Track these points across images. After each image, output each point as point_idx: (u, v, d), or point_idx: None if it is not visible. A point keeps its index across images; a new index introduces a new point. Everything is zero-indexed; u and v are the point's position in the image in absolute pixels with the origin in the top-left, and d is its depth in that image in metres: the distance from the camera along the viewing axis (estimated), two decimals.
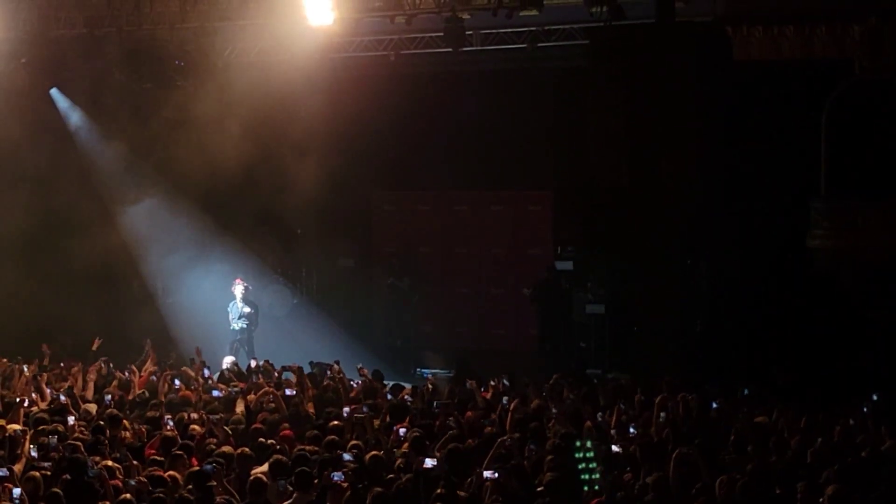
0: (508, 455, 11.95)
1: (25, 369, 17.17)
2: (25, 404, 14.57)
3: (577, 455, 11.02)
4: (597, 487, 11.18)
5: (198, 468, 11.51)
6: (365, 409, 14.35)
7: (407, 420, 14.09)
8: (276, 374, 17.45)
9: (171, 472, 11.50)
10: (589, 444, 11.15)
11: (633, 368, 19.08)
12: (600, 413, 14.44)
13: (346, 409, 14.36)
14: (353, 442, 12.68)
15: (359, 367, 17.61)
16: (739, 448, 12.56)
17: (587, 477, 11.01)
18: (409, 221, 24.40)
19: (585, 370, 19.53)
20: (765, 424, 13.75)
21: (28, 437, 12.85)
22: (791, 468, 11.79)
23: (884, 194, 19.56)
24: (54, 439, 12.62)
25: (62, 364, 18.45)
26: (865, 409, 14.43)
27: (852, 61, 19.01)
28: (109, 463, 11.80)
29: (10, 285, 21.44)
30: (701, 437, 12.94)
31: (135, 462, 12.10)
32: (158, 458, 12.32)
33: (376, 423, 13.90)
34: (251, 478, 11.29)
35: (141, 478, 11.54)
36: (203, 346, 19.38)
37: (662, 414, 13.86)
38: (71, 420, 14.00)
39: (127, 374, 17.29)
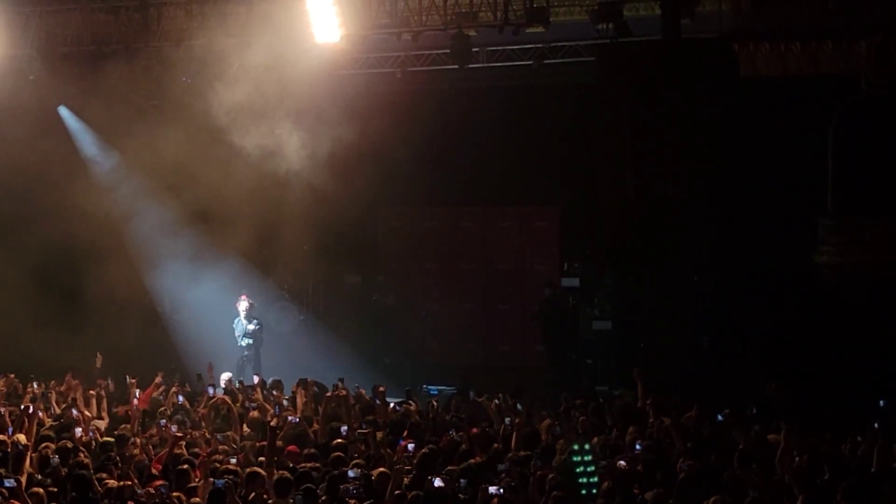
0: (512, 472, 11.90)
1: (34, 385, 17.20)
2: (30, 411, 14.53)
3: (574, 458, 10.98)
4: (594, 491, 11.15)
5: (211, 485, 11.46)
6: (363, 427, 14.31)
7: (406, 433, 14.07)
8: (275, 394, 17.43)
9: (177, 493, 11.47)
10: (587, 447, 11.11)
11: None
12: (607, 431, 14.38)
13: (344, 428, 14.34)
14: (356, 461, 12.62)
15: (358, 387, 17.47)
16: (745, 465, 12.48)
17: (585, 481, 10.97)
18: (415, 237, 24.39)
19: (595, 387, 19.47)
20: (775, 442, 13.68)
21: (30, 451, 12.81)
22: (798, 485, 11.72)
23: (891, 210, 19.55)
24: (74, 458, 12.57)
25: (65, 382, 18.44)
26: (875, 426, 14.34)
27: (859, 77, 19.04)
28: (128, 482, 11.76)
29: (14, 296, 21.46)
30: (712, 454, 12.91)
31: (136, 480, 12.04)
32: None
33: (379, 435, 13.86)
34: (252, 494, 11.25)
35: (150, 489, 11.52)
36: (211, 362, 19.35)
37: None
38: (78, 431, 13.99)
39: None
